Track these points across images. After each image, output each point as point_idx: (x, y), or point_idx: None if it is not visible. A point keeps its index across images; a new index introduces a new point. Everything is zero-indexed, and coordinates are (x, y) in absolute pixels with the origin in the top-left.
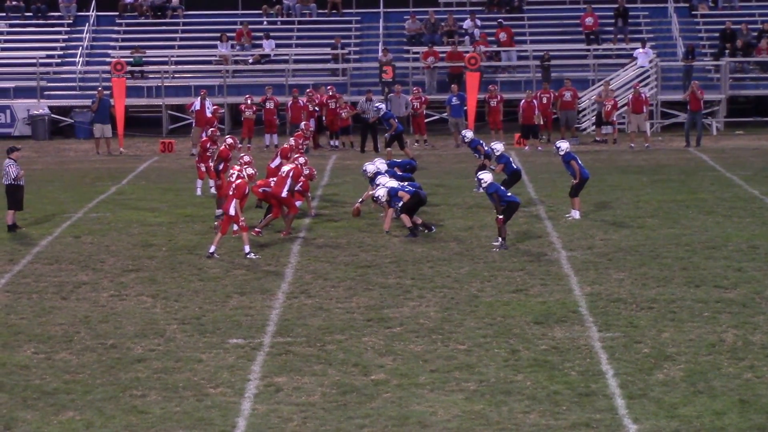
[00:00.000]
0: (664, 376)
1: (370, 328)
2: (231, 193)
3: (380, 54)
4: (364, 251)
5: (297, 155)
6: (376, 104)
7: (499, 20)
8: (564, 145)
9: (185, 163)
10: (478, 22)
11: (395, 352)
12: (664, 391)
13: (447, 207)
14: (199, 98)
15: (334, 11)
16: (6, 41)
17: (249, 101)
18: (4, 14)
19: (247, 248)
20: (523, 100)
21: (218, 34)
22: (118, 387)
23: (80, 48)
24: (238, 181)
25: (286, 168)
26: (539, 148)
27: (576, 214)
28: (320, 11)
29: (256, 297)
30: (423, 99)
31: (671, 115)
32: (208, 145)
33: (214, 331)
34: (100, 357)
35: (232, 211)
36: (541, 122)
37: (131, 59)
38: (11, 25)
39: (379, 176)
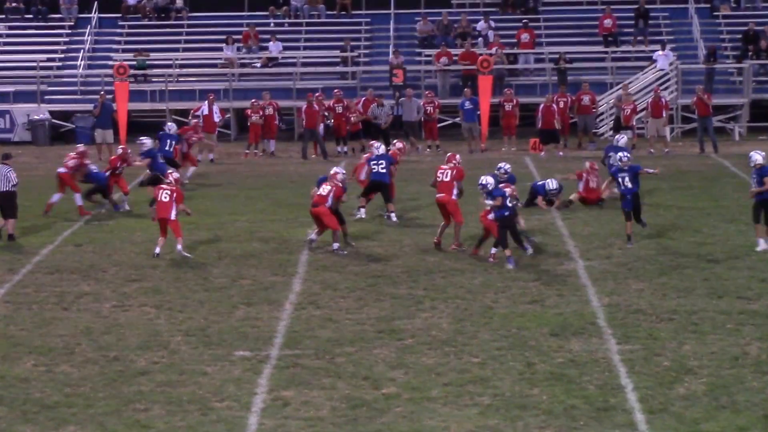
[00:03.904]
0: (686, 390)
1: (380, 340)
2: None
3: (391, 56)
4: (374, 261)
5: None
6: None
7: (525, 21)
8: (760, 158)
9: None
10: (492, 24)
11: (407, 365)
12: (685, 406)
13: None
14: (206, 102)
15: (343, 12)
16: (6, 44)
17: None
18: (3, 16)
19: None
20: (542, 104)
21: (224, 37)
22: (120, 400)
23: (82, 51)
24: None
25: (326, 188)
26: (560, 153)
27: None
28: (329, 12)
29: (263, 308)
30: (436, 103)
31: (692, 119)
32: (118, 164)
33: (220, 343)
34: (102, 370)
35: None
36: (559, 127)
37: (134, 62)
38: (11, 28)
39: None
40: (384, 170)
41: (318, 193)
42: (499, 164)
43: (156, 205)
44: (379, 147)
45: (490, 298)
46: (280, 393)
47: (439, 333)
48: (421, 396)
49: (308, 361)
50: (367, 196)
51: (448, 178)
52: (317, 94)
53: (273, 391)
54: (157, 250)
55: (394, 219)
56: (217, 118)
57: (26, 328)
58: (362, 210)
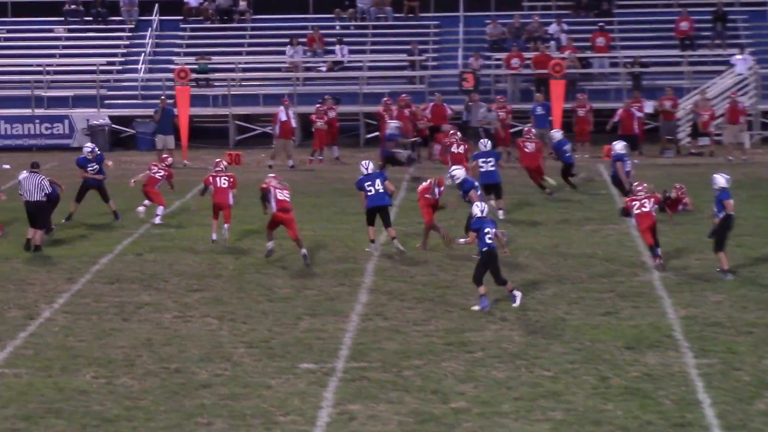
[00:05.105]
0: (766, 406)
1: (449, 352)
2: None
3: (471, 59)
4: (443, 270)
5: None
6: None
7: (600, 24)
8: None
9: (253, 176)
10: (565, 26)
11: (477, 379)
12: (765, 422)
13: (531, 225)
14: (282, 108)
15: (410, 15)
16: (65, 47)
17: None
18: (62, 19)
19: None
20: (620, 109)
21: (288, 40)
22: (182, 414)
23: (142, 54)
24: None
25: (286, 193)
26: (635, 160)
27: None
28: (396, 15)
29: (329, 319)
30: (508, 108)
31: None
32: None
33: (284, 355)
34: (163, 382)
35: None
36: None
37: (196, 66)
38: (70, 31)
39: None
40: (494, 168)
41: (282, 198)
42: (451, 168)
43: (214, 191)
44: (486, 144)
45: (562, 309)
46: (346, 407)
47: (510, 345)
48: (492, 411)
49: (375, 374)
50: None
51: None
52: (384, 99)
53: (339, 405)
54: (214, 236)
55: (502, 216)
56: (294, 123)
57: (85, 340)
58: (501, 211)
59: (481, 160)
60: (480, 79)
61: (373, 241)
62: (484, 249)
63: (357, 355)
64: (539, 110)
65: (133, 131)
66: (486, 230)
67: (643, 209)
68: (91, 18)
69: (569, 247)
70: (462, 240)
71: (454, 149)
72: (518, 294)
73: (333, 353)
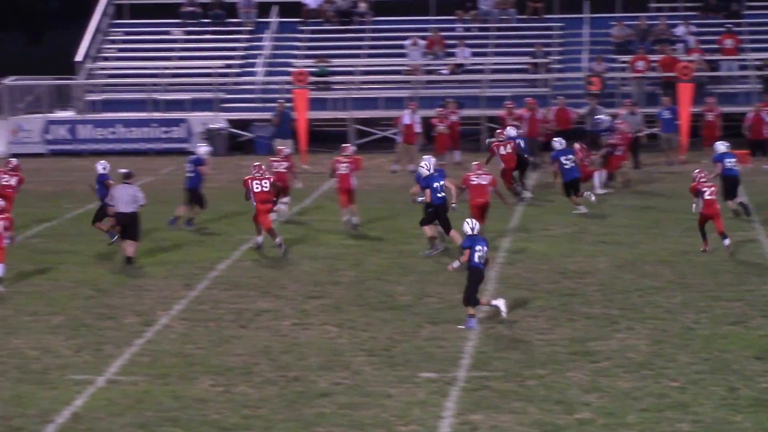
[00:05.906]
0: None
1: (574, 362)
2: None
3: (594, 63)
4: (567, 278)
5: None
6: (600, 116)
7: (728, 25)
8: None
9: (373, 181)
10: (692, 28)
11: (601, 389)
12: None
13: (659, 230)
14: (408, 111)
15: (534, 17)
16: (182, 50)
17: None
18: (180, 21)
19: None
20: (751, 113)
21: (409, 42)
22: (301, 423)
23: (261, 57)
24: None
25: (266, 183)
26: (764, 166)
27: None
28: (519, 17)
29: (450, 327)
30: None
31: None
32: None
33: (405, 363)
34: (281, 390)
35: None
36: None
37: (315, 69)
38: (188, 33)
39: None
40: (574, 164)
41: (260, 189)
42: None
43: (337, 176)
44: (563, 142)
45: (690, 318)
46: (467, 417)
47: (636, 355)
48: (617, 422)
49: (497, 384)
50: (572, 195)
51: (485, 182)
52: (506, 103)
53: (460, 415)
54: (351, 218)
55: (593, 197)
56: (418, 128)
57: (203, 347)
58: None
59: (562, 158)
60: (605, 83)
61: (434, 238)
62: (473, 268)
63: (479, 364)
64: (666, 114)
65: (251, 135)
66: (477, 248)
67: (712, 196)
68: (208, 20)
69: (697, 255)
70: (456, 264)
71: (502, 150)
72: (474, 323)
73: (454, 362)
